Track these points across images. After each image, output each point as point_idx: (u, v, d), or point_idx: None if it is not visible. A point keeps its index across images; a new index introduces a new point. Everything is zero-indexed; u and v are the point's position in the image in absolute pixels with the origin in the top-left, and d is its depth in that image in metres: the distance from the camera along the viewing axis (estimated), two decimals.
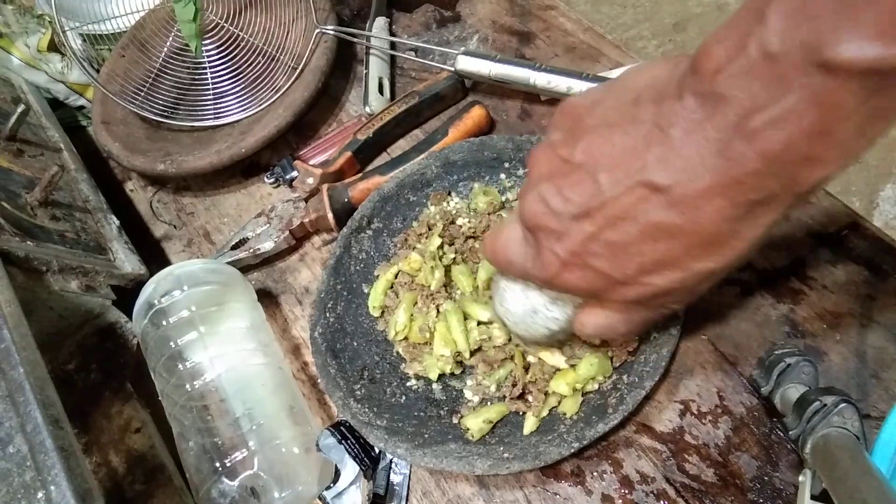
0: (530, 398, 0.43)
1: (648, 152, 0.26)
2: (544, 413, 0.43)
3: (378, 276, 0.52)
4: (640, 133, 0.27)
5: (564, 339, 0.43)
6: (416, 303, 0.49)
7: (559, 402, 0.43)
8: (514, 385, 0.43)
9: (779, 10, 0.22)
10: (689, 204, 0.26)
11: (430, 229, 0.51)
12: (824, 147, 0.23)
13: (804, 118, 0.23)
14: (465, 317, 0.47)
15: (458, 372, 0.46)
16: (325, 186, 0.57)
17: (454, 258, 0.50)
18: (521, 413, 0.43)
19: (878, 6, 0.20)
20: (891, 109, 0.23)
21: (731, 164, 0.24)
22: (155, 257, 0.63)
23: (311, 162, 0.63)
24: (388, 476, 0.45)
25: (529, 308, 0.37)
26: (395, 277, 0.51)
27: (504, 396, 0.44)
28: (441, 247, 0.50)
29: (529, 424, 0.42)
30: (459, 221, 0.52)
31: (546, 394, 0.43)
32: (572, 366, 0.43)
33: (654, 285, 0.29)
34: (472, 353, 0.46)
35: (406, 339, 0.48)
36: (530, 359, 0.45)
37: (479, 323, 0.46)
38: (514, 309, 0.38)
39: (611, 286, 0.30)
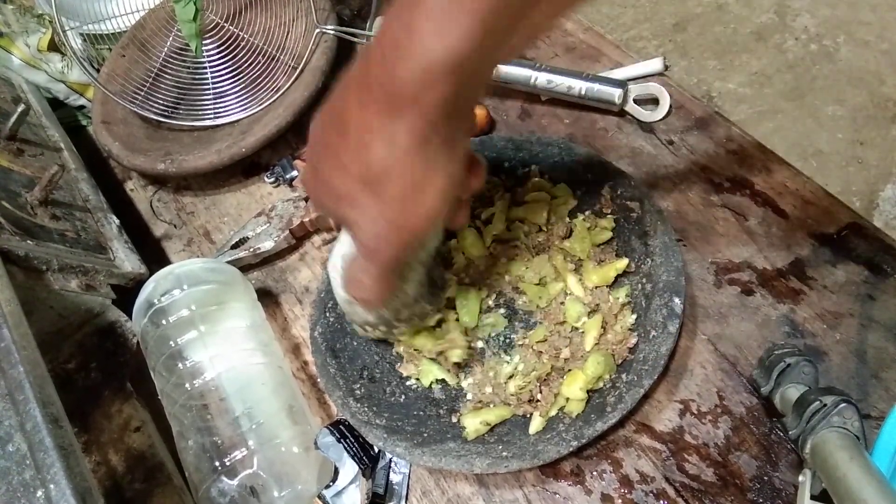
0: (539, 396, 0.43)
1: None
2: (552, 412, 0.43)
3: None
4: None
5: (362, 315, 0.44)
6: None
7: (567, 401, 0.43)
8: (529, 400, 0.43)
9: None
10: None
11: None
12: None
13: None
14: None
15: (452, 383, 0.46)
16: None
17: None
18: (527, 415, 0.43)
19: None
20: None
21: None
22: (155, 256, 0.63)
23: None
24: (388, 475, 0.45)
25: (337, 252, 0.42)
26: None
27: (511, 401, 0.44)
28: None
29: (536, 424, 0.42)
30: None
31: (556, 395, 0.43)
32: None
33: (324, 178, 0.33)
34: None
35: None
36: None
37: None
38: (335, 251, 0.43)
39: (324, 190, 0.33)
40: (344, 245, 0.42)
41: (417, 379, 0.47)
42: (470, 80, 0.28)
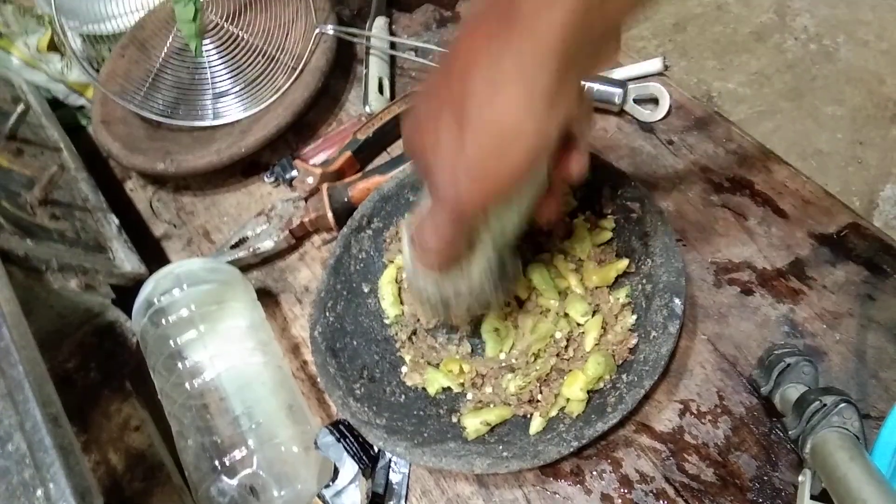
0: (539, 397, 0.43)
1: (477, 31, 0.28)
2: (553, 413, 0.43)
3: (381, 285, 0.51)
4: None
5: (430, 301, 0.42)
6: None
7: (567, 402, 0.43)
8: (529, 400, 0.43)
9: None
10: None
11: None
12: None
13: None
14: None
15: (458, 390, 0.46)
16: (324, 186, 0.57)
17: None
18: (527, 416, 0.43)
19: None
20: None
21: None
22: (155, 256, 0.63)
23: (311, 161, 0.63)
24: (388, 475, 0.45)
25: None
26: (398, 282, 0.51)
27: (511, 402, 0.44)
28: None
29: (536, 424, 0.42)
30: None
31: (556, 395, 0.43)
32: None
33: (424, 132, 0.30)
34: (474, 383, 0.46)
35: (411, 340, 0.48)
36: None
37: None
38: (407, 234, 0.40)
39: (416, 132, 0.31)
40: (423, 205, 0.38)
41: (424, 388, 0.47)
42: (598, 8, 0.24)
